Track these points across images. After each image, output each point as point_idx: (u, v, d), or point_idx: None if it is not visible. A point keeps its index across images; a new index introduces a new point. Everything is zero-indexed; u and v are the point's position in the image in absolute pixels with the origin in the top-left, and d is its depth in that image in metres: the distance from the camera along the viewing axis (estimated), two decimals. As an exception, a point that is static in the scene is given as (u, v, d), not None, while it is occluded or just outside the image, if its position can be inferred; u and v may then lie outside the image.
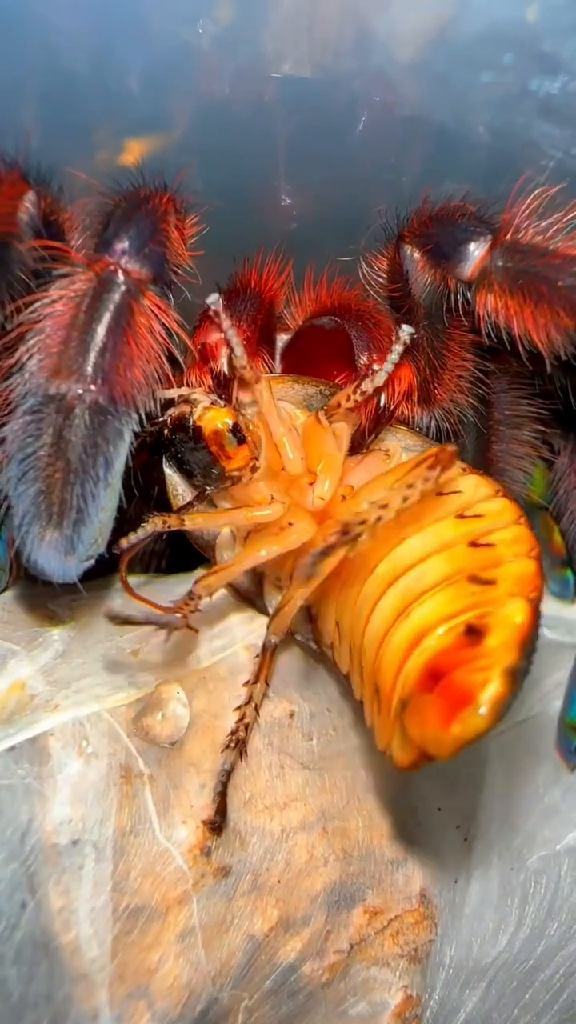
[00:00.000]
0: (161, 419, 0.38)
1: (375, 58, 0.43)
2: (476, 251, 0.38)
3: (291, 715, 0.39)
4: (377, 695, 0.34)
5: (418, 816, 0.41)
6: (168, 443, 0.40)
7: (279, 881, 0.37)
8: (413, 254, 0.40)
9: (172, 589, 0.42)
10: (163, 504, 0.42)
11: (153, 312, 0.35)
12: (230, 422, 0.38)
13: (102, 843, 0.34)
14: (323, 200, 0.47)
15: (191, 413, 0.39)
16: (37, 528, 0.33)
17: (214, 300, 0.37)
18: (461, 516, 0.35)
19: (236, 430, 0.38)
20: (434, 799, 0.41)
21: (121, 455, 0.34)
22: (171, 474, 0.41)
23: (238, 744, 0.37)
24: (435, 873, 0.40)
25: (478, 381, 0.42)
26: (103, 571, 0.37)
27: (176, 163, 0.40)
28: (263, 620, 0.41)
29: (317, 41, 0.43)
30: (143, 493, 0.37)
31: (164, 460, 0.41)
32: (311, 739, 0.39)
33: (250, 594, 0.41)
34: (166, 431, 0.39)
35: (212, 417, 0.38)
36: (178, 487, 0.41)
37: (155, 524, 0.37)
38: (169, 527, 0.37)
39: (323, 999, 0.37)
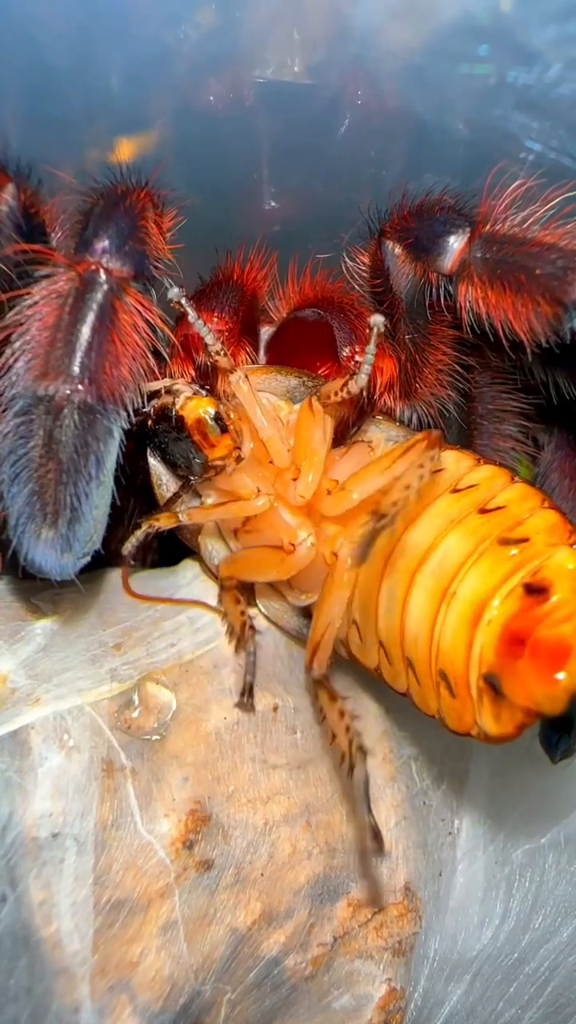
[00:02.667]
0: (145, 410, 0.38)
1: (354, 53, 0.43)
2: (455, 243, 0.38)
3: (275, 708, 0.39)
4: (445, 680, 0.33)
5: (403, 810, 0.40)
6: (152, 433, 0.40)
7: (262, 874, 0.37)
8: (394, 249, 0.40)
9: (157, 583, 0.42)
10: (147, 493, 0.42)
11: (136, 309, 0.35)
12: (212, 411, 0.38)
13: (83, 836, 0.34)
14: (306, 199, 0.48)
15: (174, 403, 0.39)
16: (33, 528, 0.33)
17: (175, 294, 0.37)
18: (456, 490, 0.35)
19: (218, 419, 0.38)
20: (419, 793, 0.41)
21: (112, 453, 0.34)
22: (155, 464, 0.41)
23: (362, 754, 0.35)
24: (419, 866, 0.40)
25: (459, 376, 0.42)
26: (91, 564, 0.37)
27: (158, 161, 0.40)
28: (248, 611, 0.40)
29: (296, 41, 0.43)
30: (129, 482, 0.37)
31: (148, 451, 0.41)
32: (295, 732, 0.39)
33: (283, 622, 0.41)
34: (150, 422, 0.39)
35: (194, 406, 0.39)
36: (162, 477, 0.41)
37: (150, 525, 0.38)
38: (163, 527, 0.38)
39: (307, 992, 0.37)
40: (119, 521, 0.39)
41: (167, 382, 0.39)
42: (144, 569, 0.44)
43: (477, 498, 0.35)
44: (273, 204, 0.47)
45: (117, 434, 0.34)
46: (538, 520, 0.33)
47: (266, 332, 0.45)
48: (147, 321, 0.35)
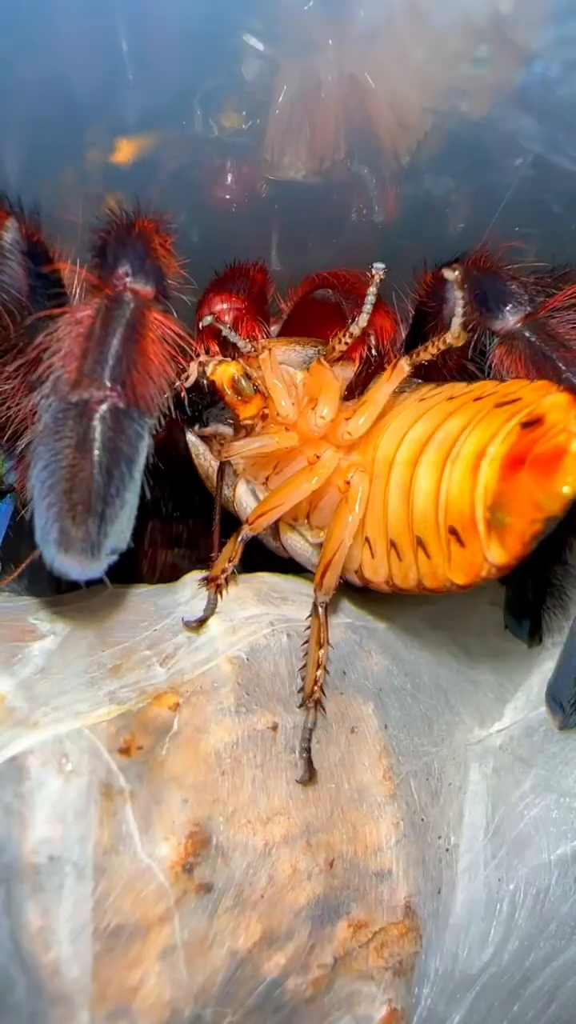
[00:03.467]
0: (182, 385, 0.43)
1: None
2: (513, 315, 0.42)
3: (274, 728, 0.39)
4: (455, 535, 0.36)
5: (402, 827, 0.40)
6: (188, 404, 0.44)
7: (262, 896, 0.36)
8: (458, 289, 0.43)
9: (156, 600, 0.42)
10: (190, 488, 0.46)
11: (160, 322, 0.38)
12: (239, 372, 0.43)
13: (82, 861, 0.34)
14: (311, 263, 0.52)
15: (203, 372, 0.43)
16: (61, 526, 0.34)
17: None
18: (452, 398, 0.39)
19: (247, 377, 0.43)
20: (418, 809, 0.41)
21: (141, 455, 0.36)
22: (193, 440, 0.46)
23: (315, 704, 0.39)
24: (419, 884, 0.40)
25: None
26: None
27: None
28: (247, 630, 0.40)
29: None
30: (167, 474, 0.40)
31: (186, 429, 0.45)
32: (294, 752, 0.39)
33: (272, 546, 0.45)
34: (183, 394, 0.43)
35: (223, 370, 0.43)
36: (199, 447, 0.46)
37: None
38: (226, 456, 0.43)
39: (307, 1014, 0.37)
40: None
41: (195, 361, 0.43)
42: (144, 585, 0.44)
43: (472, 394, 0.39)
44: (278, 266, 0.53)
45: (147, 438, 0.37)
46: (527, 388, 0.37)
47: (275, 329, 0.50)
48: (171, 331, 0.38)
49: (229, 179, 0.48)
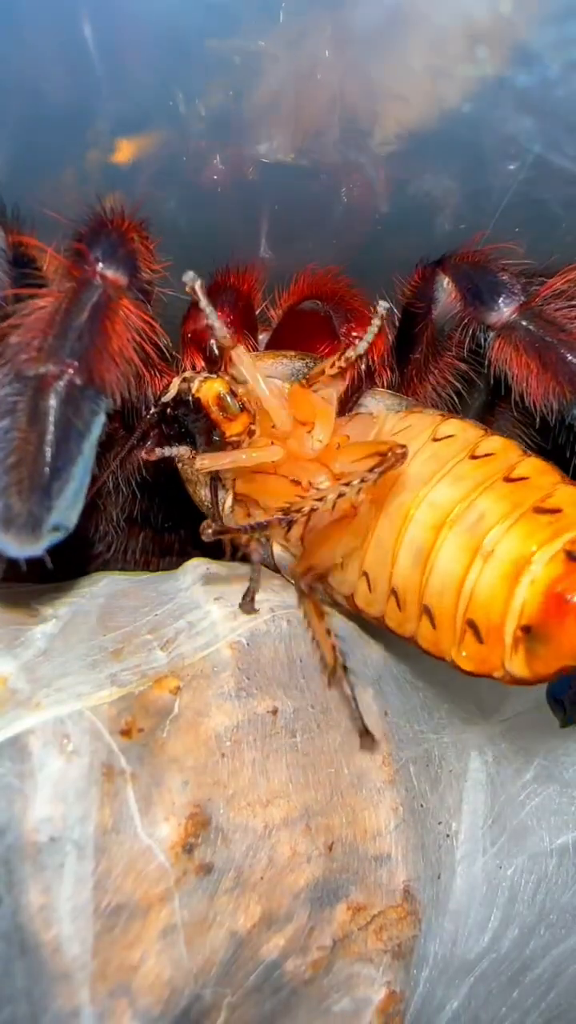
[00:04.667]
0: (163, 400, 0.42)
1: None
2: (507, 305, 0.42)
3: (274, 712, 0.39)
4: (473, 628, 0.37)
5: (401, 812, 0.40)
6: (172, 420, 0.43)
7: (262, 878, 0.36)
8: (447, 284, 0.44)
9: (157, 586, 0.42)
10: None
11: (130, 310, 0.38)
12: (224, 389, 0.42)
13: (83, 841, 0.34)
14: (301, 251, 0.52)
15: (189, 389, 0.42)
16: (5, 502, 0.34)
17: (190, 278, 0.40)
18: (475, 456, 0.38)
19: (233, 394, 0.42)
20: (417, 795, 0.41)
21: (94, 432, 0.36)
22: (177, 452, 0.44)
23: (344, 671, 0.39)
24: (418, 869, 0.40)
25: (455, 394, 0.48)
26: (85, 565, 0.39)
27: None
28: (244, 618, 0.40)
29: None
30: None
31: (171, 441, 0.44)
32: (294, 736, 0.39)
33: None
34: (168, 410, 0.43)
35: (209, 387, 0.42)
36: (184, 460, 0.44)
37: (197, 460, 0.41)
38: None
39: (306, 995, 0.37)
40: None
41: (180, 376, 0.43)
42: (145, 572, 0.45)
43: (498, 466, 0.38)
44: (267, 255, 0.52)
45: (101, 418, 0.36)
46: (564, 494, 0.37)
47: (264, 337, 0.49)
48: (141, 320, 0.38)
49: (217, 160, 0.48)
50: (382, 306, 0.41)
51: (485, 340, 0.43)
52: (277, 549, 0.43)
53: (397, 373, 0.47)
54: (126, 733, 0.36)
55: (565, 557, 0.35)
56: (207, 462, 0.41)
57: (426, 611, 0.38)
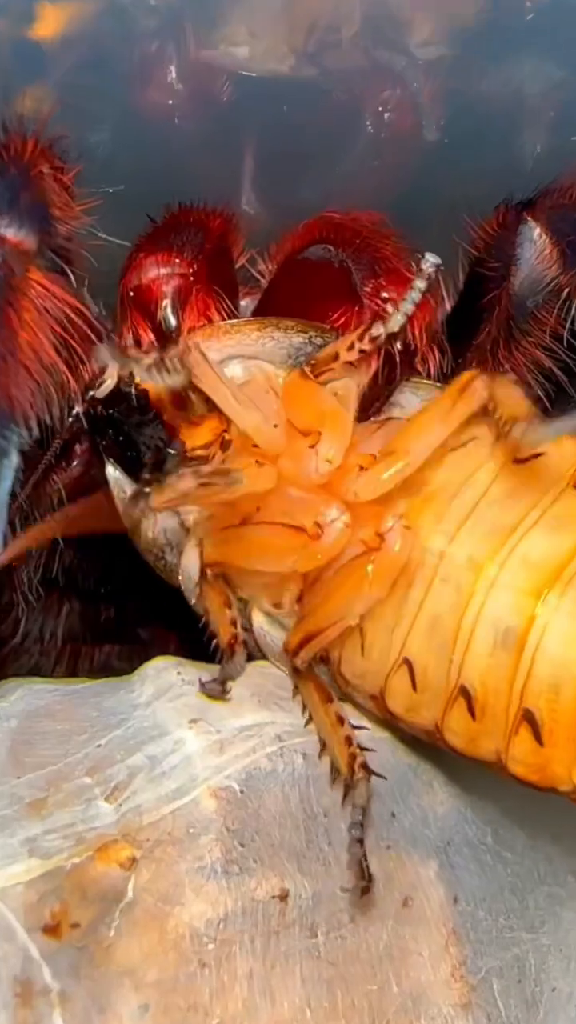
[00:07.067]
0: (93, 395, 0.41)
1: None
2: None
3: (282, 896, 0.38)
4: (532, 725, 0.36)
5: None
6: (105, 424, 0.42)
7: None
8: (538, 236, 0.44)
9: (100, 702, 0.42)
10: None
11: (44, 287, 0.38)
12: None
13: None
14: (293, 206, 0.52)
15: (131, 376, 0.41)
16: None
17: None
18: None
19: (197, 388, 0.41)
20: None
21: (4, 481, 0.37)
22: (115, 474, 0.43)
23: (365, 771, 0.38)
24: None
25: (542, 395, 0.47)
26: None
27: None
28: (240, 748, 0.40)
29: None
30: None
31: (104, 456, 0.43)
32: (314, 934, 0.38)
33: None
34: (99, 408, 0.42)
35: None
36: (125, 489, 0.43)
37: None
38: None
39: None
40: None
41: (116, 354, 0.41)
42: (80, 679, 0.44)
43: None
44: (251, 209, 0.53)
45: (14, 457, 0.37)
46: None
47: (248, 304, 0.49)
48: (59, 301, 0.38)
49: (172, 71, 0.47)
50: (429, 260, 0.40)
51: None
52: (260, 620, 0.43)
53: (450, 357, 0.46)
54: (52, 930, 0.35)
55: None
56: (155, 498, 0.39)
57: (526, 719, 0.37)
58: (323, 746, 0.39)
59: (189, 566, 0.43)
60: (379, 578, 0.38)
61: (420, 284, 0.41)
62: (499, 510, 0.39)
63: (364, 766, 0.38)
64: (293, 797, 0.39)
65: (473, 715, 0.38)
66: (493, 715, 0.38)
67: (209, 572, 0.42)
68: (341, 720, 0.39)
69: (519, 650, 0.37)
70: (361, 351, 0.41)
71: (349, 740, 0.39)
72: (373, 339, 0.41)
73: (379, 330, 0.40)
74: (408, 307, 0.41)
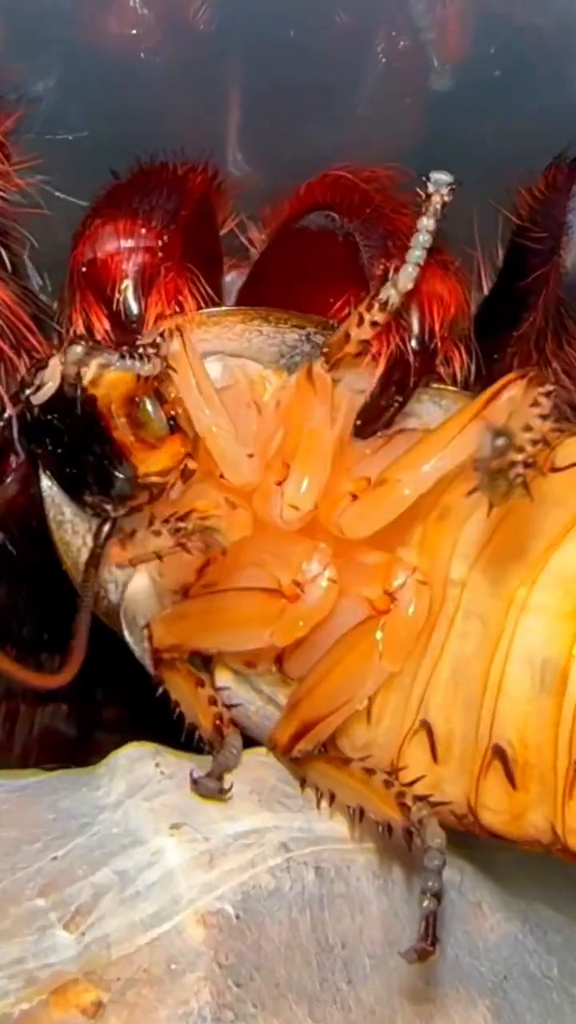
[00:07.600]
0: (29, 396, 0.39)
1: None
2: None
3: None
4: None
5: None
6: (39, 431, 0.40)
7: None
8: None
9: (58, 800, 0.40)
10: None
11: None
12: (141, 386, 0.40)
13: None
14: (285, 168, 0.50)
15: (78, 375, 0.38)
16: None
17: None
18: None
19: (160, 398, 0.39)
20: None
21: None
22: (50, 490, 0.42)
23: (426, 805, 0.36)
24: None
25: None
26: None
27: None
28: (236, 860, 0.38)
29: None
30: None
31: (40, 467, 0.42)
32: None
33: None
34: (34, 411, 0.39)
35: (116, 379, 0.39)
36: (64, 511, 0.42)
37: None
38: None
39: None
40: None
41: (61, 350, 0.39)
42: (31, 771, 0.43)
43: None
44: (239, 170, 0.51)
45: None
46: None
47: (236, 278, 0.48)
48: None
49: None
50: (441, 179, 0.38)
51: None
52: (227, 679, 0.42)
53: (479, 357, 0.44)
54: None
55: None
56: (115, 553, 0.40)
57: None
58: (360, 813, 0.38)
59: (138, 651, 0.42)
60: (392, 648, 0.38)
61: (428, 221, 0.38)
62: (524, 524, 0.38)
63: (422, 799, 0.36)
64: (303, 923, 0.38)
65: (513, 782, 0.37)
66: (540, 776, 0.36)
67: (165, 657, 0.41)
68: (370, 771, 0.37)
69: (561, 688, 0.36)
70: (374, 323, 0.39)
71: (406, 805, 0.36)
72: (383, 305, 0.38)
73: (388, 292, 0.38)
74: (417, 254, 0.38)
